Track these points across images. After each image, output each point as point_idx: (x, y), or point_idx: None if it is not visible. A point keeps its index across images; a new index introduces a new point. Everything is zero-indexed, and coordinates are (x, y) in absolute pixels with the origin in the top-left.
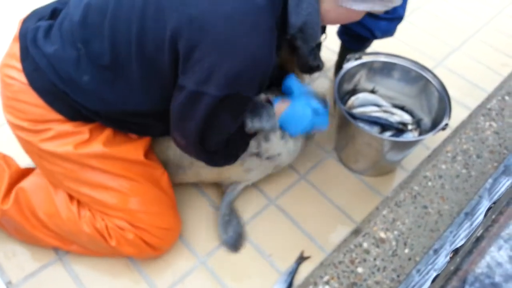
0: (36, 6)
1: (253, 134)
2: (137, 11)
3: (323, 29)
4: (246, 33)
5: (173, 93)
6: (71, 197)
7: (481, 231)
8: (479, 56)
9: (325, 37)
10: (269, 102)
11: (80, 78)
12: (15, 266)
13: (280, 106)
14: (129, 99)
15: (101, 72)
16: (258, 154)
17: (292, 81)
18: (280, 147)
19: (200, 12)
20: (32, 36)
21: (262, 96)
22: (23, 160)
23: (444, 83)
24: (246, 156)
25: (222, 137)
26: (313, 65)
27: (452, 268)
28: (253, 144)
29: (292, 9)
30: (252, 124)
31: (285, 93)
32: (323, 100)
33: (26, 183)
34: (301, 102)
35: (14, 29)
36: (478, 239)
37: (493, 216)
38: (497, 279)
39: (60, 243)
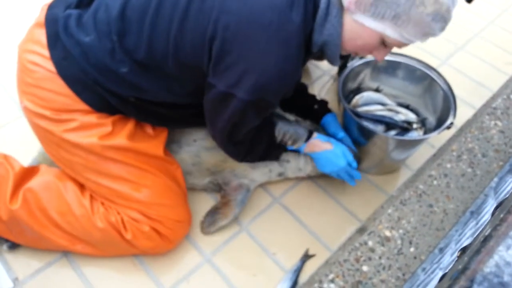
0: None
1: (279, 147)
2: (180, 11)
3: (344, 57)
4: (278, 48)
5: (204, 89)
6: (82, 192)
7: (489, 230)
8: (484, 55)
9: (343, 62)
10: (311, 133)
11: (117, 69)
12: (21, 262)
13: (323, 144)
14: (162, 91)
15: (137, 65)
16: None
17: (333, 120)
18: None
19: (237, 20)
20: (64, 23)
21: (307, 124)
22: (25, 160)
23: (449, 82)
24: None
25: (247, 130)
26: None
27: (460, 267)
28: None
29: (317, 27)
30: (282, 128)
31: (323, 128)
32: (357, 156)
33: (33, 183)
34: (341, 150)
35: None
36: (486, 239)
37: (501, 215)
38: (506, 278)
39: (68, 243)
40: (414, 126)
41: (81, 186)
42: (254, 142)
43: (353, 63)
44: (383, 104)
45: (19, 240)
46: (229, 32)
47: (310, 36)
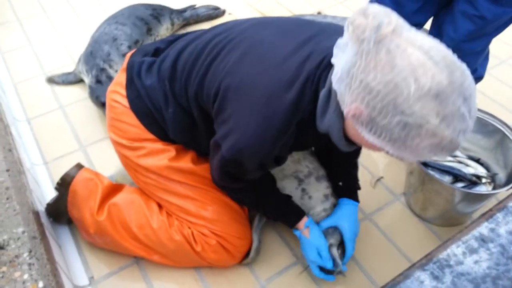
0: None
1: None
2: (205, 66)
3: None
4: (260, 121)
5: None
6: (160, 209)
7: None
8: None
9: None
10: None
11: (166, 110)
12: (99, 263)
13: (305, 230)
14: (194, 139)
15: (179, 108)
16: None
17: (344, 207)
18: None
19: (237, 85)
20: (137, 69)
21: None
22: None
23: None
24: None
25: (240, 178)
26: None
27: None
28: None
29: (318, 114)
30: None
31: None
32: (335, 259)
33: (118, 199)
34: (317, 244)
35: None
36: None
37: None
38: None
39: (145, 254)
40: (483, 180)
41: (159, 204)
42: (259, 197)
43: None
44: (453, 155)
45: (100, 245)
46: (228, 92)
47: (314, 119)
